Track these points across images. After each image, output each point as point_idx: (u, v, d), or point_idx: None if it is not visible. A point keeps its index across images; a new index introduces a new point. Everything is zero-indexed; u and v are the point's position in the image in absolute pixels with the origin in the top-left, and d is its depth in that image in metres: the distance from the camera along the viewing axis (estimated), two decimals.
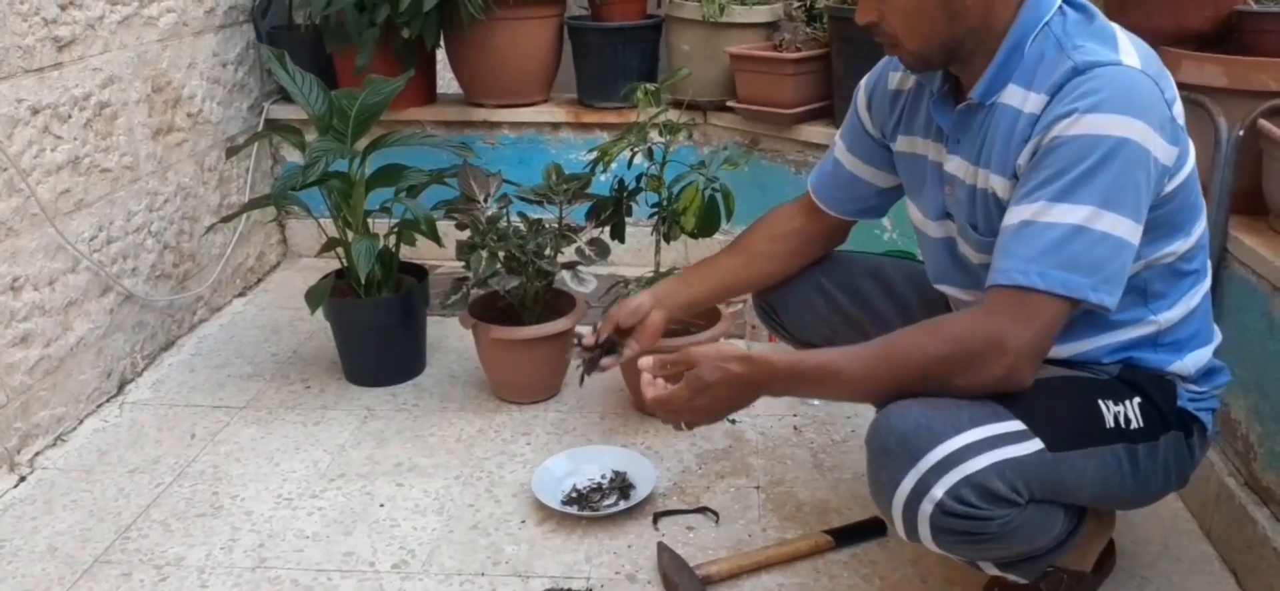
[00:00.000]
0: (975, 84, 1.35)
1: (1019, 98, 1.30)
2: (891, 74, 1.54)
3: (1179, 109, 1.30)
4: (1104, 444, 1.32)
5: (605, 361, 1.78)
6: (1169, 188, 1.29)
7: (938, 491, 1.23)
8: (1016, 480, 1.25)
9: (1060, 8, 1.31)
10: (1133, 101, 1.21)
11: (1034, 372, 1.28)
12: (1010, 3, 1.31)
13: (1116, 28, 1.31)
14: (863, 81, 1.61)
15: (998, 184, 1.33)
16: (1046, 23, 1.30)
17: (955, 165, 1.41)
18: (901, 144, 1.54)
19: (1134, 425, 1.34)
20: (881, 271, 1.75)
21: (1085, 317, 1.36)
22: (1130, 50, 1.27)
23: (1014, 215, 1.27)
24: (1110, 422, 1.33)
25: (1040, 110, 1.27)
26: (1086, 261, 1.22)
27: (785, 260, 1.75)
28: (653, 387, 1.48)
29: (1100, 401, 1.34)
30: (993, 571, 1.41)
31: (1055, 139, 1.23)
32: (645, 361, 1.49)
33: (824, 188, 1.70)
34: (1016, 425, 1.27)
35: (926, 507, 1.24)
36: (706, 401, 1.42)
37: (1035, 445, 1.27)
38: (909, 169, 1.54)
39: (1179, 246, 1.34)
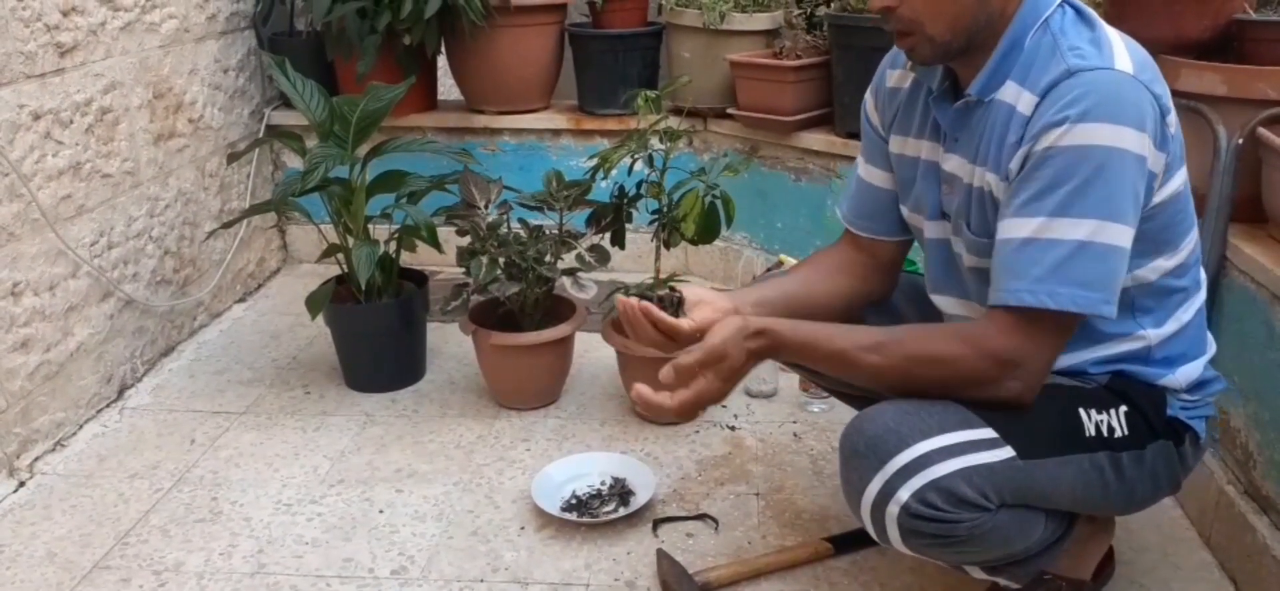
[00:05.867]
0: (974, 79, 1.33)
1: (1013, 95, 1.29)
2: (889, 72, 1.53)
3: (1173, 119, 1.28)
4: (1083, 452, 1.32)
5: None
6: (1158, 199, 1.29)
7: (903, 494, 1.24)
8: (985, 485, 1.26)
9: (1061, 5, 1.30)
10: (1122, 108, 1.21)
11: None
12: None
13: (1113, 32, 1.30)
14: (868, 89, 1.60)
15: (993, 182, 1.32)
16: (1046, 19, 1.29)
17: (954, 164, 1.40)
18: (894, 144, 1.53)
19: (1117, 433, 1.34)
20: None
21: (1078, 330, 1.37)
22: (1124, 55, 1.25)
23: (1014, 230, 1.25)
24: (1091, 431, 1.33)
25: (1031, 110, 1.26)
26: (1095, 276, 1.22)
27: (838, 293, 1.61)
28: (674, 393, 1.35)
29: (1081, 409, 1.34)
30: (981, 575, 1.40)
31: (1049, 149, 1.22)
32: (665, 373, 1.35)
33: (852, 211, 1.63)
34: (987, 432, 1.28)
35: (892, 510, 1.25)
36: (732, 383, 1.36)
37: (1006, 453, 1.28)
38: (900, 169, 1.54)
39: (1164, 263, 1.34)
